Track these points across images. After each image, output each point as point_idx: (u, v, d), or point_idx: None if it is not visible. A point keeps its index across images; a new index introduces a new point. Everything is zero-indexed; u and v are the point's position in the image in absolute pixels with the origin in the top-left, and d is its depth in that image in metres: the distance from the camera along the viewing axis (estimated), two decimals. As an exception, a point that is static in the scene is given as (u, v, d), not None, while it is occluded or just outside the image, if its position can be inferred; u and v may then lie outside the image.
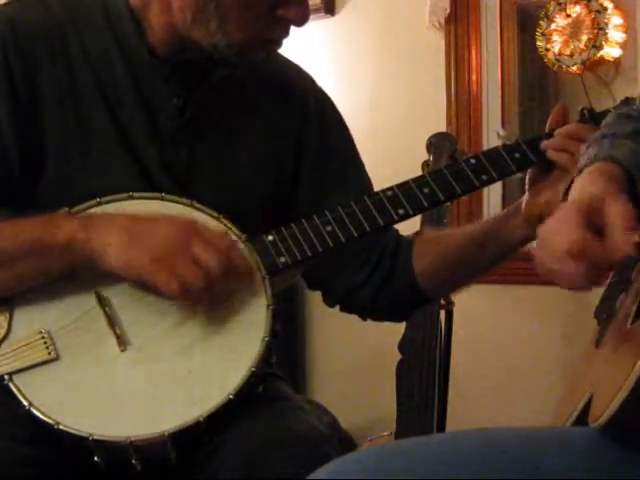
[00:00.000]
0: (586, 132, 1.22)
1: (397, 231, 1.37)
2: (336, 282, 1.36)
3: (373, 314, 1.41)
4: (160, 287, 1.10)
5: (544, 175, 1.27)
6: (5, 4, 1.27)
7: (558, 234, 0.84)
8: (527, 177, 1.30)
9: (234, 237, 1.18)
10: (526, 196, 1.29)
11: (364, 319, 1.43)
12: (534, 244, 0.92)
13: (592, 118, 1.26)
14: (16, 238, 1.12)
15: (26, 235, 1.12)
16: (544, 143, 1.26)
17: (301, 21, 1.20)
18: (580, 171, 0.94)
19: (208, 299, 1.13)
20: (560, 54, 2.54)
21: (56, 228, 1.12)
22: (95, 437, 1.06)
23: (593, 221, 0.83)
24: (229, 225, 1.19)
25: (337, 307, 1.41)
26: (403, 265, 1.34)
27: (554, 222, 0.86)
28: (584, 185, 0.90)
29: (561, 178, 1.22)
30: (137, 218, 1.14)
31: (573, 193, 0.91)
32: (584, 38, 2.50)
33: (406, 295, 1.35)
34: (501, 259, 1.34)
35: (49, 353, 1.12)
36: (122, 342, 1.13)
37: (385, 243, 1.35)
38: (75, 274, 1.14)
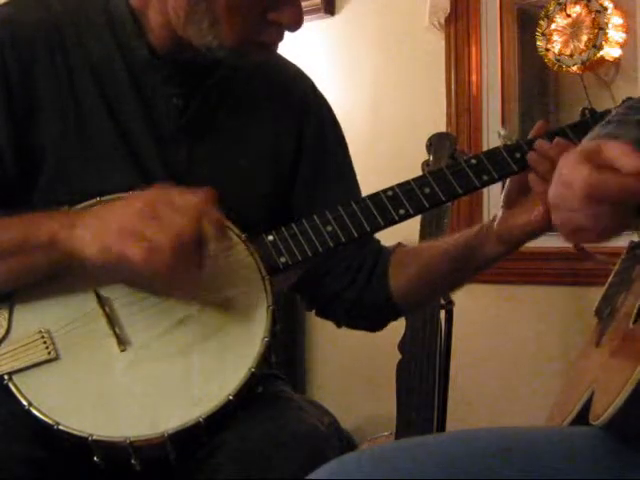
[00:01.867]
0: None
1: (378, 241, 1.38)
2: (319, 287, 1.37)
3: (348, 322, 1.41)
4: (130, 258, 1.05)
5: (520, 195, 1.27)
6: (3, 4, 1.27)
7: (572, 183, 0.81)
8: (503, 194, 1.30)
9: (234, 237, 1.18)
10: (500, 213, 1.29)
11: (339, 326, 1.43)
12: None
13: (593, 118, 1.26)
14: (2, 237, 1.12)
15: (11, 234, 1.12)
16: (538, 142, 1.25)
17: (294, 26, 1.19)
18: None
19: (184, 267, 1.07)
20: (560, 54, 2.54)
21: (40, 226, 1.11)
22: (95, 437, 1.06)
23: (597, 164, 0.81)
24: (229, 225, 1.19)
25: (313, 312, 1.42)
26: (379, 277, 1.35)
27: (566, 167, 0.83)
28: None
29: (535, 201, 1.22)
30: (106, 206, 1.12)
31: None
32: (584, 38, 2.50)
33: (380, 307, 1.36)
34: (475, 272, 1.35)
35: (49, 353, 1.12)
36: (122, 342, 1.12)
37: (366, 254, 1.36)
38: (75, 273, 1.14)
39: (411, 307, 1.45)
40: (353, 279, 1.35)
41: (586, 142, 0.94)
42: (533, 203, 1.23)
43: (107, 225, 1.08)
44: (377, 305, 1.36)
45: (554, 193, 0.85)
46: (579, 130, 1.25)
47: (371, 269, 1.35)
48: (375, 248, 1.37)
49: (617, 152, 0.79)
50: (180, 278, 1.09)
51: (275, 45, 1.23)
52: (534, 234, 1.25)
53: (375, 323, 1.42)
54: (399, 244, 1.40)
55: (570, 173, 0.81)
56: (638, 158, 0.77)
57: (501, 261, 1.31)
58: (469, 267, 1.33)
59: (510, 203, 1.28)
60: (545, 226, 1.21)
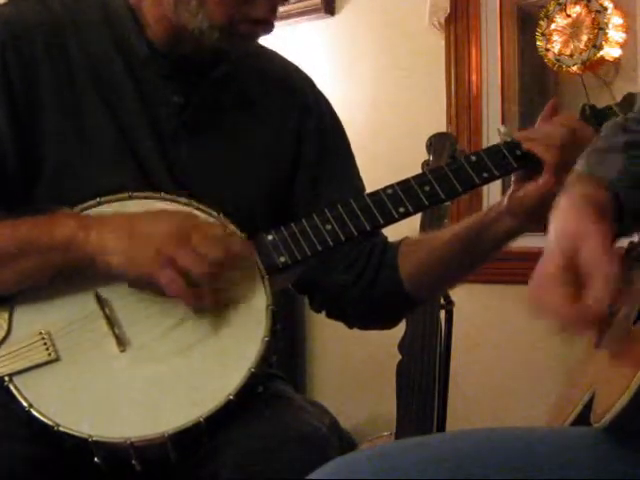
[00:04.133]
0: (556, 125, 1.22)
1: (385, 237, 1.37)
2: (325, 284, 1.36)
3: (360, 319, 1.40)
4: (163, 285, 1.09)
5: (533, 172, 1.26)
6: (3, 4, 1.27)
7: (542, 291, 0.85)
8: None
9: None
10: (511, 188, 1.29)
11: (350, 327, 1.42)
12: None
13: (593, 115, 1.26)
14: (15, 237, 1.12)
15: (25, 234, 1.12)
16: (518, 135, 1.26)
17: None
18: (567, 186, 0.94)
19: (211, 294, 1.12)
20: (560, 54, 2.54)
21: (55, 227, 1.11)
22: (95, 438, 1.06)
23: (575, 268, 0.84)
24: (228, 224, 1.19)
25: (323, 313, 1.41)
26: (389, 267, 1.33)
27: (540, 276, 0.86)
28: (565, 218, 0.90)
29: (547, 173, 1.22)
30: (135, 215, 1.14)
31: (555, 223, 0.91)
32: (584, 38, 2.50)
33: (392, 297, 1.34)
34: (486, 255, 1.33)
35: (49, 354, 1.12)
36: (122, 343, 1.13)
37: (373, 246, 1.34)
38: (75, 275, 1.14)
39: (423, 295, 1.40)
40: (361, 271, 1.33)
41: (573, 175, 0.96)
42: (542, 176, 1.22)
43: (139, 241, 1.10)
44: (388, 295, 1.34)
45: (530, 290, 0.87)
46: None
47: (379, 259, 1.34)
48: (382, 240, 1.36)
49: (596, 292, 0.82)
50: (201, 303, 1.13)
51: (270, 22, 1.21)
52: (544, 200, 1.19)
53: (387, 317, 1.41)
54: (406, 237, 1.39)
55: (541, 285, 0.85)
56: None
57: (516, 238, 1.29)
58: (480, 248, 1.31)
59: (521, 178, 1.27)
60: (553, 190, 1.17)
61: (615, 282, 0.82)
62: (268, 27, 1.22)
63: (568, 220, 0.89)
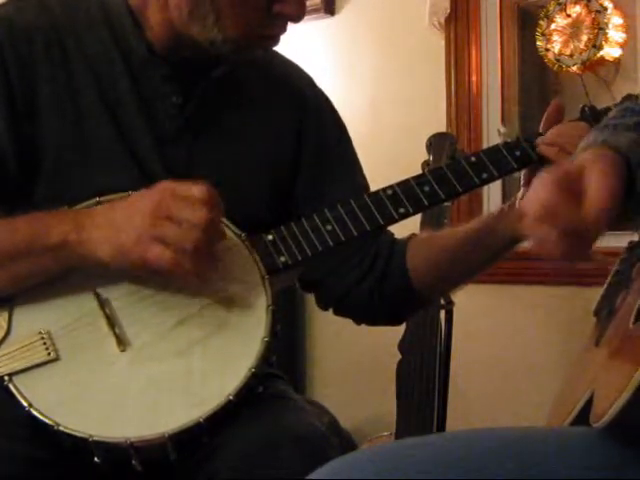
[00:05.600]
0: (579, 129, 1.22)
1: (392, 234, 1.37)
2: (332, 281, 1.36)
3: (368, 316, 1.40)
4: (155, 263, 1.07)
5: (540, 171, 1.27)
6: (2, 5, 1.27)
7: (534, 196, 0.83)
8: (523, 173, 1.30)
9: (233, 237, 1.18)
10: (521, 192, 1.29)
11: (358, 323, 1.42)
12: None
13: (593, 115, 1.26)
14: (11, 238, 1.12)
15: (20, 235, 1.12)
16: (538, 139, 1.27)
17: (297, 17, 1.20)
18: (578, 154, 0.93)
19: (206, 264, 1.10)
20: (560, 54, 2.54)
21: (50, 228, 1.11)
22: (95, 438, 1.06)
23: (575, 188, 0.82)
24: (228, 224, 1.19)
25: (330, 310, 1.41)
26: (398, 264, 1.33)
27: (535, 186, 0.85)
28: (579, 159, 0.89)
29: None
30: (116, 205, 1.13)
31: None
32: (584, 38, 2.50)
33: (401, 295, 1.34)
34: (495, 257, 1.33)
35: (49, 354, 1.12)
36: (122, 343, 1.12)
37: (381, 243, 1.35)
38: (75, 275, 1.14)
39: (429, 293, 1.40)
40: (369, 268, 1.33)
41: (581, 149, 0.95)
42: None
43: (121, 228, 1.08)
44: (397, 292, 1.34)
45: (523, 202, 0.86)
46: None
47: (388, 257, 1.34)
48: (389, 238, 1.36)
49: (594, 197, 0.80)
50: (203, 273, 1.10)
51: (278, 37, 1.23)
52: None
53: (396, 313, 1.41)
54: (413, 234, 1.39)
55: (535, 191, 0.83)
56: (605, 210, 0.79)
57: (524, 241, 1.29)
58: (489, 250, 1.31)
59: (530, 181, 1.27)
60: None
61: (609, 207, 0.80)
62: (277, 40, 1.24)
63: (582, 159, 0.88)
